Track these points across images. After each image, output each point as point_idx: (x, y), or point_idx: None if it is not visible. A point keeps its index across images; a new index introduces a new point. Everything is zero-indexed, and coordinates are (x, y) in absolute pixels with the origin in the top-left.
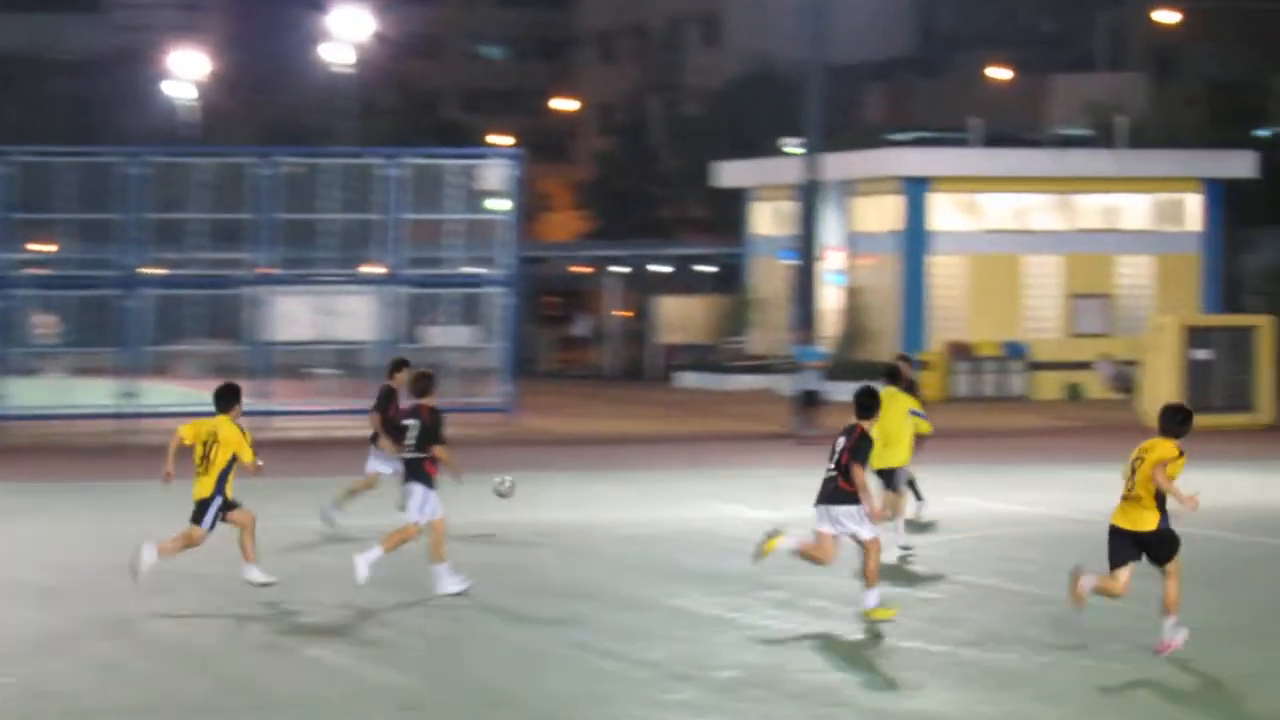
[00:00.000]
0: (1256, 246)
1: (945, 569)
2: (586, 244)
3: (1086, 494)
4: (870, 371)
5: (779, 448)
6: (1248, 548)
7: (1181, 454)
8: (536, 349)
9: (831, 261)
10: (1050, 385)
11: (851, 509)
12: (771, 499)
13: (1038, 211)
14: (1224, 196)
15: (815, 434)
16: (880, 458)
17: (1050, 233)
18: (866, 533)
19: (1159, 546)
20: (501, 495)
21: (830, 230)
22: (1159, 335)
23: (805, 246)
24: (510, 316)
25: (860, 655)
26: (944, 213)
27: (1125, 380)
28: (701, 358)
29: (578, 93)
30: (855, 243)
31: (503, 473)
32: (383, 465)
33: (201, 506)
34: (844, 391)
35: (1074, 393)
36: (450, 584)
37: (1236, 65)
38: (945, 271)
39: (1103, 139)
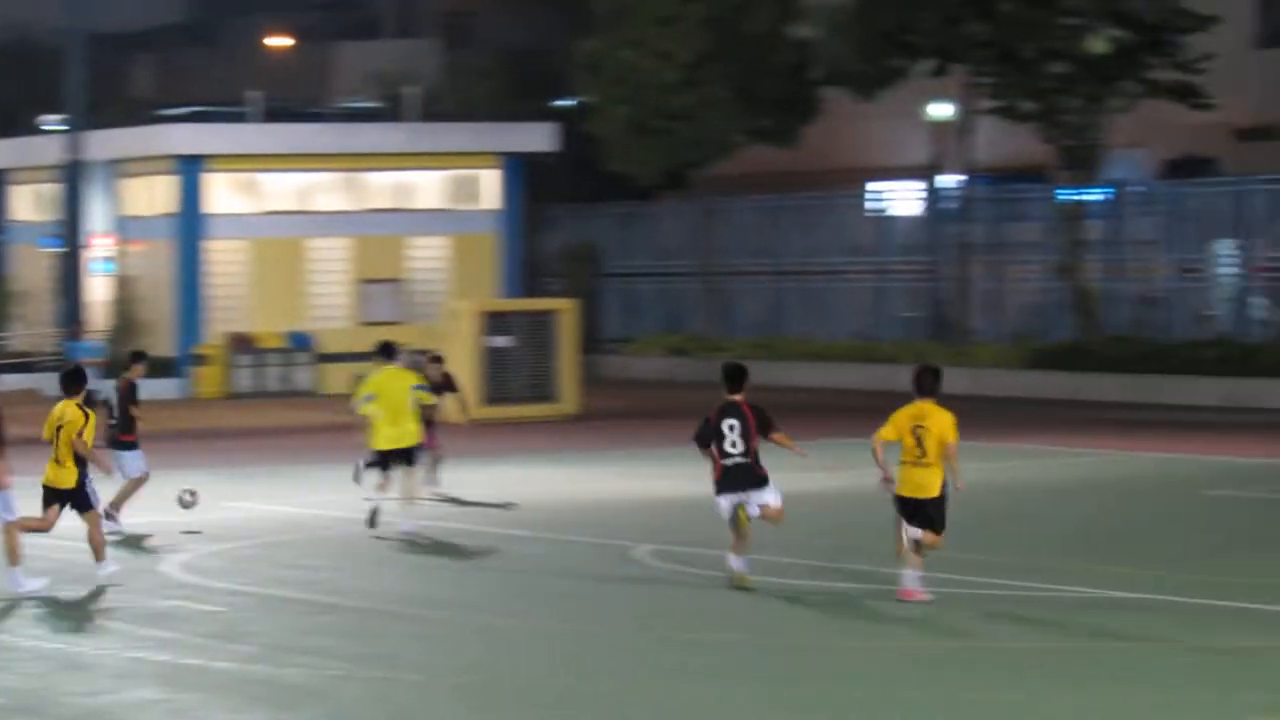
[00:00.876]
0: (557, 225)
1: (227, 580)
2: None
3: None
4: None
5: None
6: (563, 546)
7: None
8: None
9: (99, 249)
10: (341, 378)
11: (765, 490)
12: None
13: (323, 191)
14: (522, 172)
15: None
16: (393, 438)
17: (337, 213)
18: (775, 500)
19: (937, 511)
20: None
21: (98, 215)
22: (455, 322)
23: (69, 233)
24: None
25: (137, 674)
26: (221, 194)
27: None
28: None
29: None
30: (126, 228)
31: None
32: None
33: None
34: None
35: None
36: None
37: (534, 33)
38: (224, 258)
39: (393, 112)
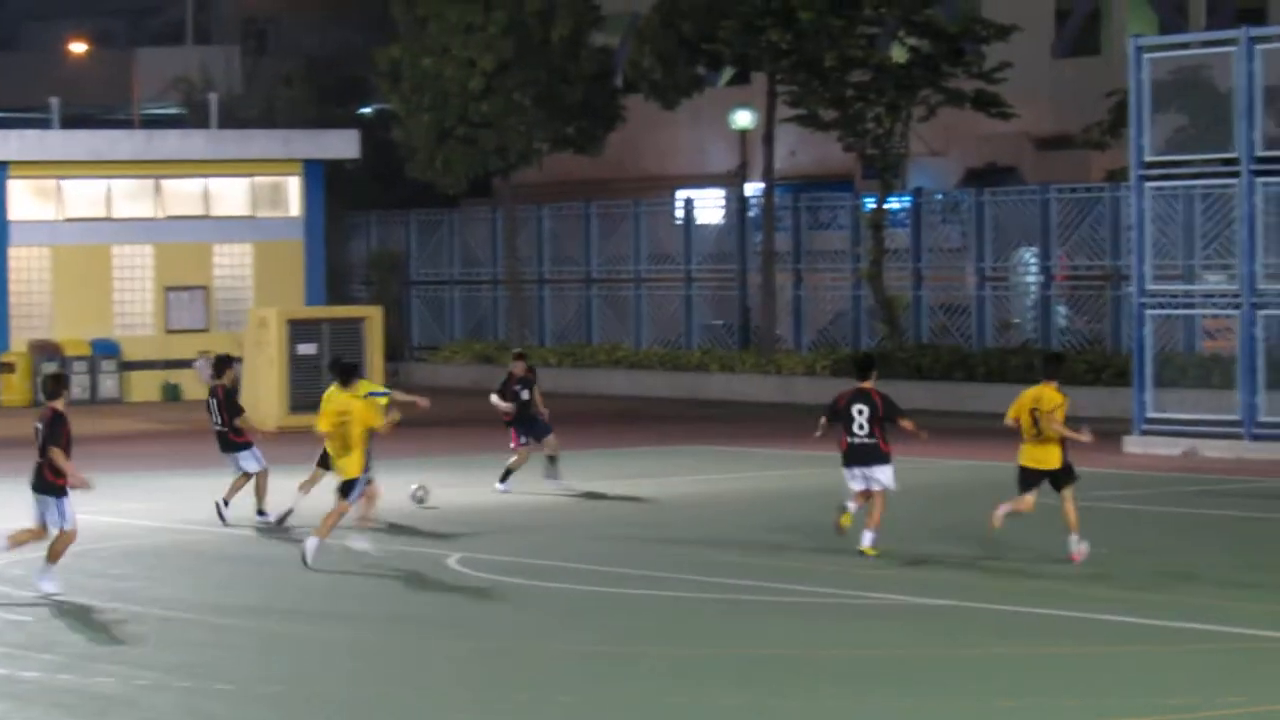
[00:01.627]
0: (364, 232)
1: (34, 589)
2: None
3: (188, 501)
4: None
5: None
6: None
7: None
8: None
9: None
10: (146, 386)
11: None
12: None
13: (126, 198)
14: (326, 178)
15: None
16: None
17: (140, 220)
18: (887, 480)
19: (1063, 476)
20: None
21: None
22: (261, 330)
23: None
24: None
25: None
26: (22, 200)
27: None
28: None
29: None
30: None
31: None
32: None
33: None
34: None
35: (172, 393)
36: None
37: (336, 40)
38: (27, 265)
39: (195, 118)
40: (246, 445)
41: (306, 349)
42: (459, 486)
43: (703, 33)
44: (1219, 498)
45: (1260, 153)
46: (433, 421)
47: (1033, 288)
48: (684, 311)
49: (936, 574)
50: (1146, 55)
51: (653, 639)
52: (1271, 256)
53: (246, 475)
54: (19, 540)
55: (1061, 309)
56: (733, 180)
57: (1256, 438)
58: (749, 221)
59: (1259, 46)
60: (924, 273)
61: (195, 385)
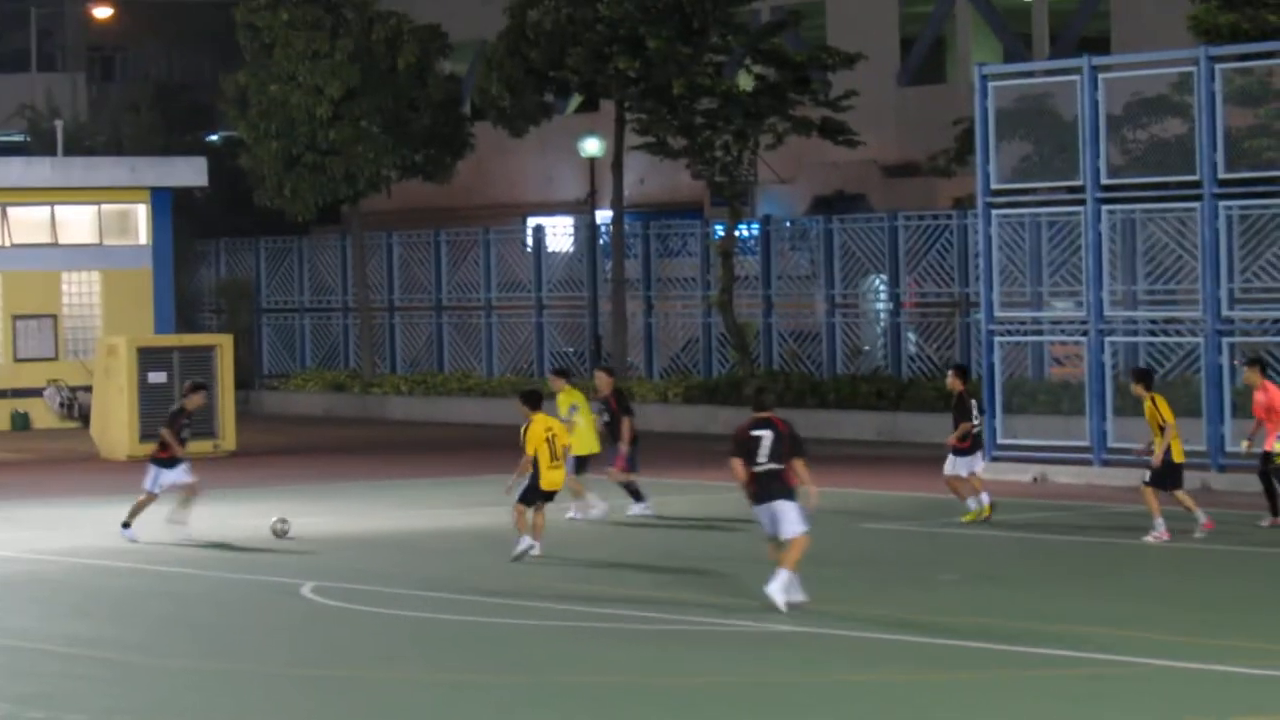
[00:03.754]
0: (211, 259)
1: None
2: None
3: (38, 531)
4: None
5: None
6: (228, 583)
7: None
8: None
9: None
10: None
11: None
12: None
13: None
14: (174, 206)
15: None
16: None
17: None
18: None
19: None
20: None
21: None
22: (110, 358)
23: None
24: None
25: None
26: None
27: (78, 407)
28: None
29: None
30: None
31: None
32: None
33: None
34: None
35: (21, 422)
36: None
37: (182, 66)
38: None
39: (40, 145)
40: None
41: (157, 377)
42: (315, 515)
43: (550, 60)
44: (1068, 523)
45: (1105, 180)
46: (286, 450)
47: (882, 315)
48: (535, 339)
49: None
50: (991, 83)
51: (501, 666)
52: (1118, 283)
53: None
54: None
55: (911, 336)
56: (582, 208)
57: (1106, 463)
58: (599, 249)
59: (1101, 75)
60: (774, 300)
61: (45, 414)
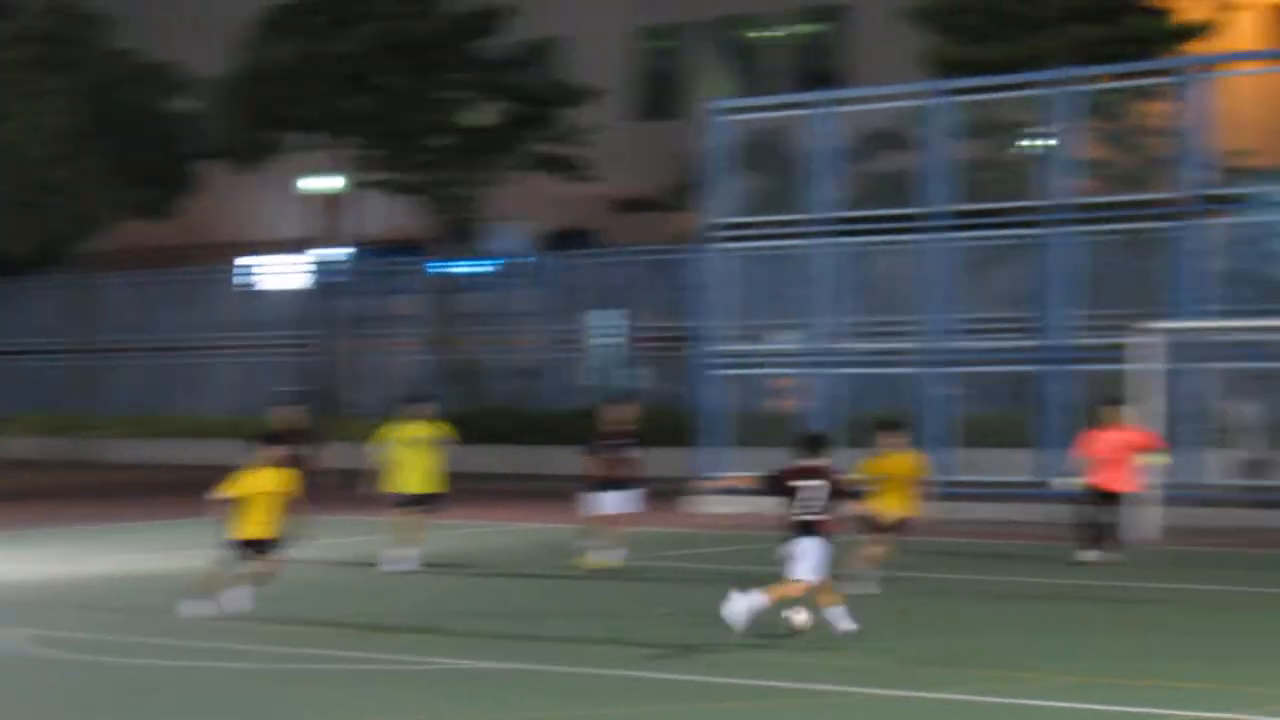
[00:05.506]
0: None
1: None
2: None
3: None
4: None
5: None
6: None
7: None
8: None
9: None
10: None
11: None
12: None
13: None
14: None
15: None
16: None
17: None
18: None
19: None
20: None
21: None
22: None
23: None
24: None
25: None
26: None
27: None
28: None
29: None
30: None
31: None
32: None
33: None
34: None
35: None
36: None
37: None
38: None
39: None
40: None
41: None
42: (32, 562)
43: (281, 98)
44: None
45: (832, 214)
46: (3, 496)
47: (609, 349)
48: (256, 379)
49: (498, 641)
50: (723, 118)
51: (198, 713)
52: (843, 316)
53: None
54: None
55: (638, 370)
56: (310, 246)
57: None
58: (325, 288)
59: (832, 109)
60: (501, 336)
61: None
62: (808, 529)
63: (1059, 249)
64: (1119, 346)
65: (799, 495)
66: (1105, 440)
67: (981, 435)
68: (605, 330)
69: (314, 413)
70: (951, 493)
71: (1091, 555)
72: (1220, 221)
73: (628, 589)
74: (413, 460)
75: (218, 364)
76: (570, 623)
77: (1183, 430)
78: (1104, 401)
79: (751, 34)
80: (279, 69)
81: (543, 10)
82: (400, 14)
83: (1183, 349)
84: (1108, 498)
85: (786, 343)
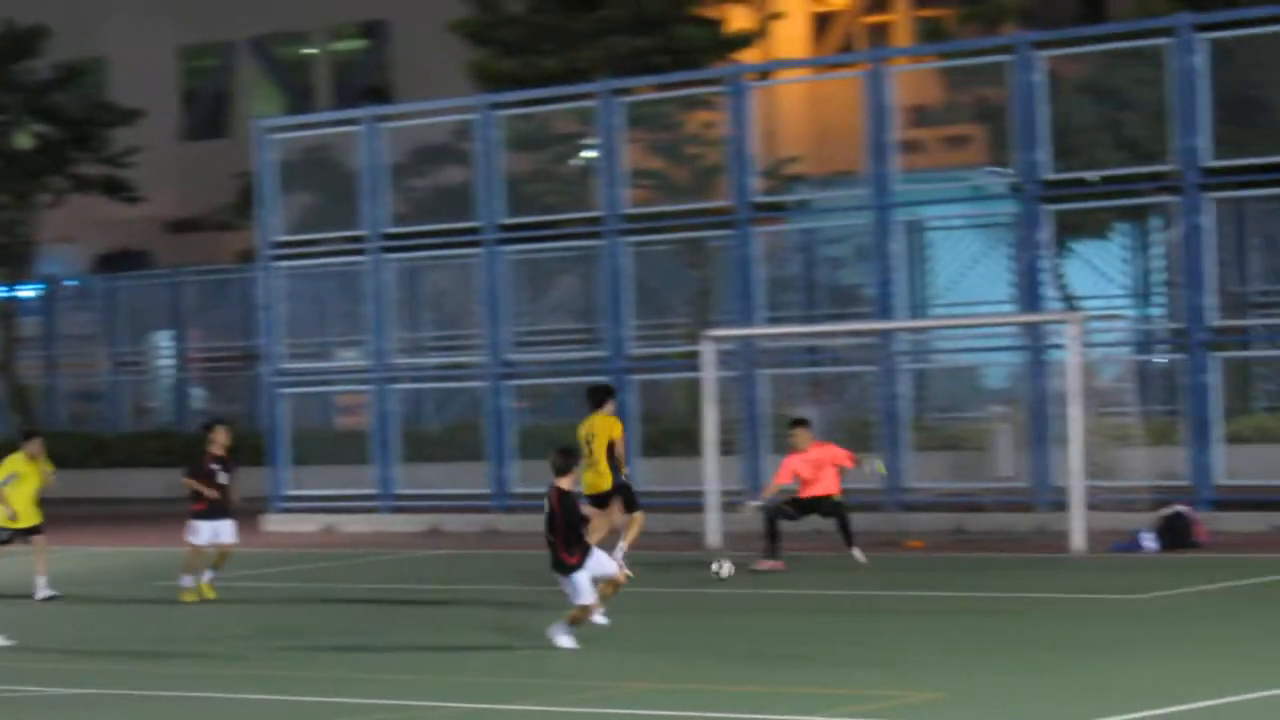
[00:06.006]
0: None
1: None
2: None
3: None
4: None
5: None
6: None
7: None
8: None
9: None
10: None
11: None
12: None
13: None
14: None
15: None
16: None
17: None
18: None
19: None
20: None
21: None
22: None
23: None
24: None
25: None
26: None
27: None
28: None
29: None
30: None
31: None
32: None
33: None
34: None
35: None
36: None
37: None
38: None
39: None
40: None
41: None
42: None
43: None
44: (359, 571)
45: (388, 229)
46: None
47: (168, 371)
48: None
49: (89, 663)
50: (271, 136)
51: None
52: (402, 331)
53: None
54: None
55: (198, 391)
56: None
57: (394, 510)
58: None
59: (382, 125)
60: (58, 360)
61: None
62: None
63: (613, 260)
64: (680, 356)
65: None
66: (806, 461)
67: (546, 447)
68: (165, 352)
69: None
70: (513, 505)
71: (768, 565)
72: (769, 229)
73: (210, 610)
74: (22, 493)
75: None
76: (158, 646)
77: (748, 436)
78: (790, 424)
79: (296, 51)
80: None
81: (86, 31)
82: None
83: (742, 356)
84: (810, 505)
85: (350, 359)
